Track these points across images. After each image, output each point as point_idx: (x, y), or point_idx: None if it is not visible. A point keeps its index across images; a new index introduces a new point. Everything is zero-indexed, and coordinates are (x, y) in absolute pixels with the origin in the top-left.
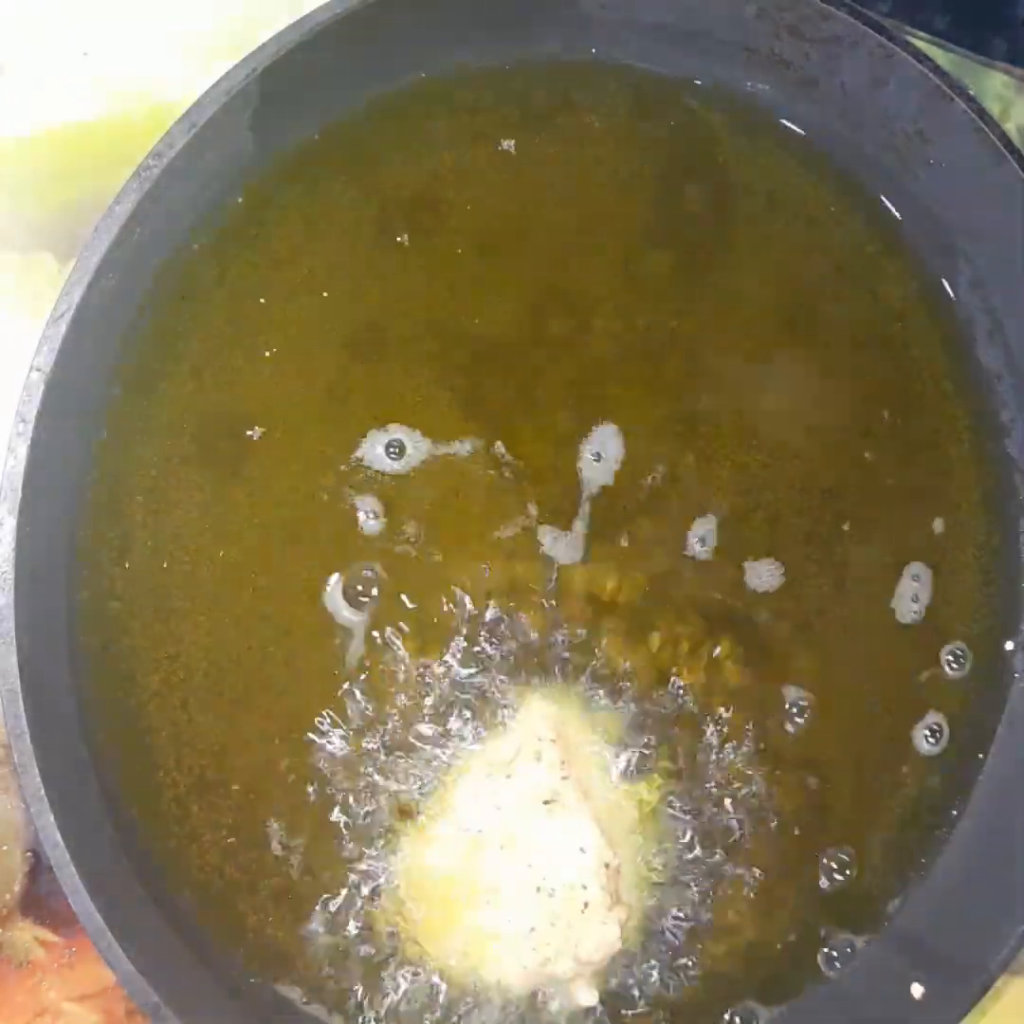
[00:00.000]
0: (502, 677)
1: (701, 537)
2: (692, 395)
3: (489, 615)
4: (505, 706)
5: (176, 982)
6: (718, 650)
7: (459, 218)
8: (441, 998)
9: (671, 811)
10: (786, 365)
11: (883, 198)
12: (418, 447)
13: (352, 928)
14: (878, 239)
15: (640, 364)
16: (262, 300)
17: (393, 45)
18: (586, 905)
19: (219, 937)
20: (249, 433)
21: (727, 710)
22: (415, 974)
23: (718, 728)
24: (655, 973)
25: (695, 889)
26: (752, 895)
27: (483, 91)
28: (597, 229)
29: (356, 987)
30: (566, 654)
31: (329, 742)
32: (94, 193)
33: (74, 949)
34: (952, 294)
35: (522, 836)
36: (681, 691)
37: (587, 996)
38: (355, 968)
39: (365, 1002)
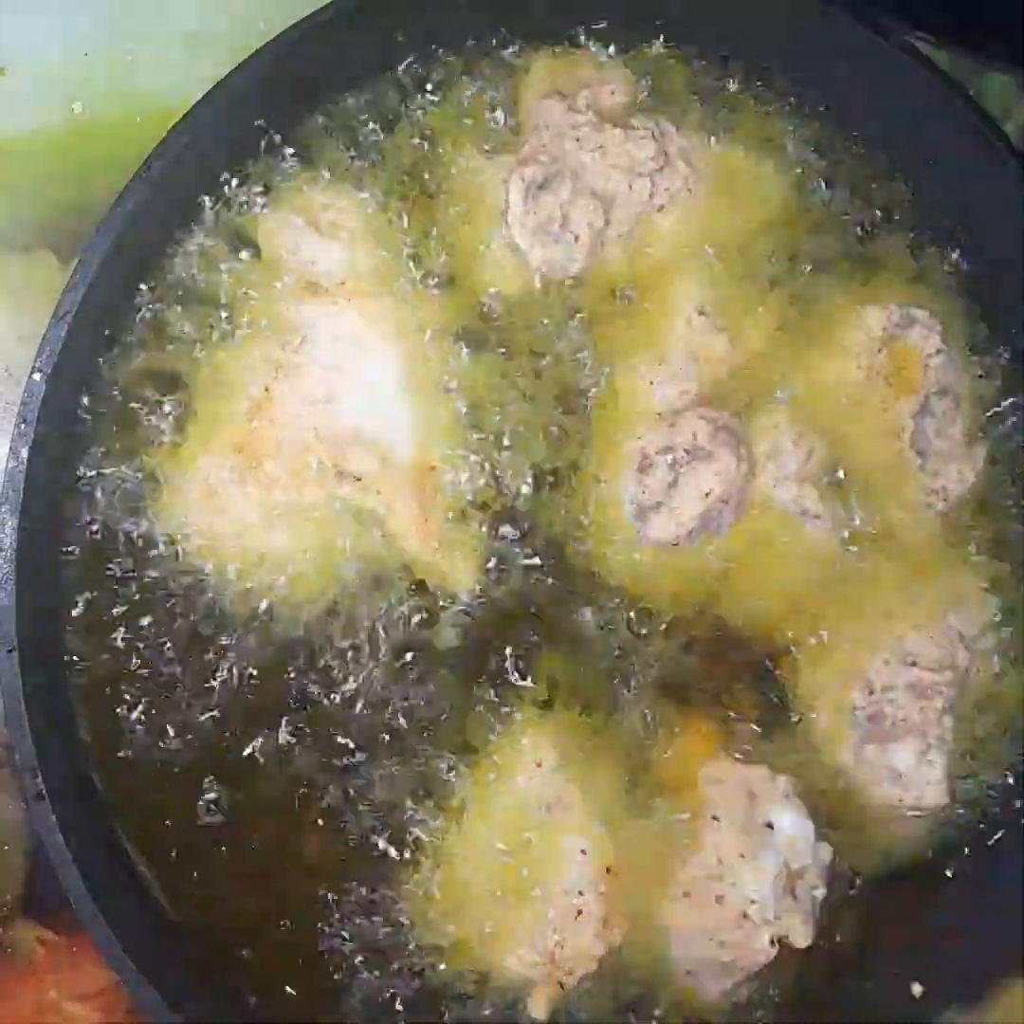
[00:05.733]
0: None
1: None
2: None
3: None
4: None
5: (176, 981)
6: None
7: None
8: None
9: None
10: None
11: (884, 196)
12: None
13: (348, 923)
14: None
15: None
16: None
17: (393, 38)
18: (580, 913)
19: (219, 937)
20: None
21: None
22: (412, 963)
23: None
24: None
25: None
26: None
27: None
28: None
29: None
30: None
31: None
32: (94, 193)
33: (74, 949)
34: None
35: (525, 837)
36: None
37: (538, 1009)
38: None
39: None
